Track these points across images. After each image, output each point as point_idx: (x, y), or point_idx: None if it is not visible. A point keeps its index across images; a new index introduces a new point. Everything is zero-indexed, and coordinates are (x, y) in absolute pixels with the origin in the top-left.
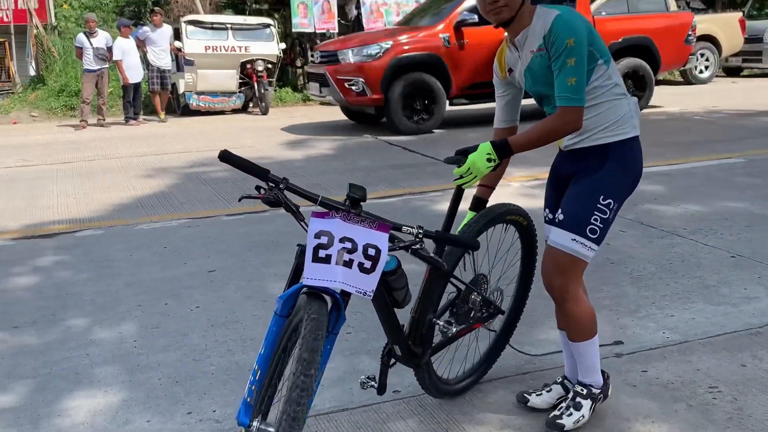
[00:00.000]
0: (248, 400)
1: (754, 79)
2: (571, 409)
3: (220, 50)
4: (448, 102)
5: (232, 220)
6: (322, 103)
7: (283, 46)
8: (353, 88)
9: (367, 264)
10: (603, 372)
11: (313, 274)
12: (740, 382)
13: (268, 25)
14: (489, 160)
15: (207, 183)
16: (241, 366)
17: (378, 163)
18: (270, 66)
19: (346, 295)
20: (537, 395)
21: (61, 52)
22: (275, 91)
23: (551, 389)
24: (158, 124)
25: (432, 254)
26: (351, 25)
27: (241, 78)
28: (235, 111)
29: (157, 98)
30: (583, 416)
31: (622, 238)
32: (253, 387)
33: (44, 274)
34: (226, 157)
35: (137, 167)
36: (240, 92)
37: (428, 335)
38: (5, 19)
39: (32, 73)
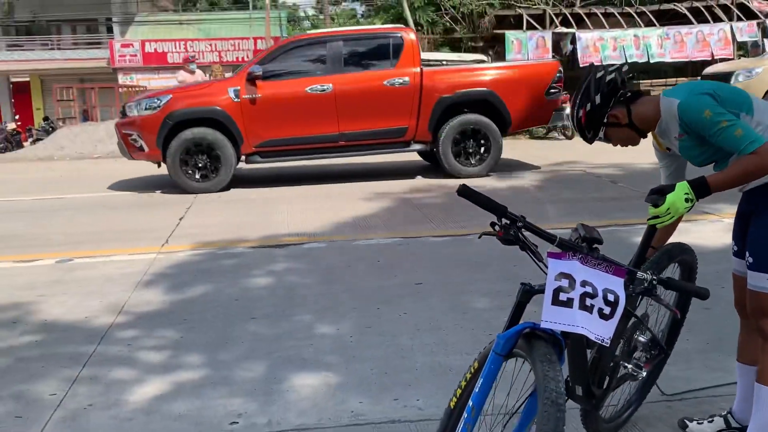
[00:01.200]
0: None
1: None
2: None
3: None
4: (243, 159)
5: (438, 241)
6: (533, 137)
7: None
8: (134, 143)
9: (607, 310)
10: None
11: (553, 317)
12: None
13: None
14: (687, 200)
15: (418, 208)
16: (443, 366)
17: (583, 195)
18: None
19: (566, 336)
20: (698, 424)
21: None
22: None
23: (713, 420)
24: None
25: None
26: (566, 59)
27: None
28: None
29: None
30: None
31: None
32: (468, 424)
33: (277, 277)
34: (465, 192)
35: (358, 191)
36: None
37: (611, 376)
38: (245, 59)
39: None
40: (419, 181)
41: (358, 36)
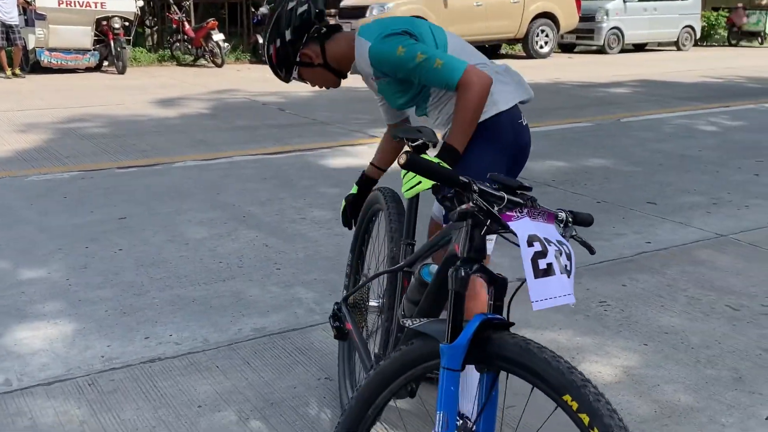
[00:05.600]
0: None
1: (586, 55)
2: None
3: (74, 5)
4: None
5: (125, 173)
6: (181, 64)
7: (140, 3)
8: None
9: (569, 266)
10: None
11: (543, 294)
12: (624, 298)
13: None
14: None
15: (86, 138)
16: (183, 298)
17: (258, 122)
18: (127, 24)
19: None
20: None
21: None
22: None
23: None
24: (7, 80)
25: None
26: None
27: (96, 35)
28: (89, 69)
29: (2, 54)
30: None
31: None
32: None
33: None
34: (413, 162)
35: (3, 122)
36: (94, 50)
37: None
38: None
39: None
40: (69, 110)
41: None
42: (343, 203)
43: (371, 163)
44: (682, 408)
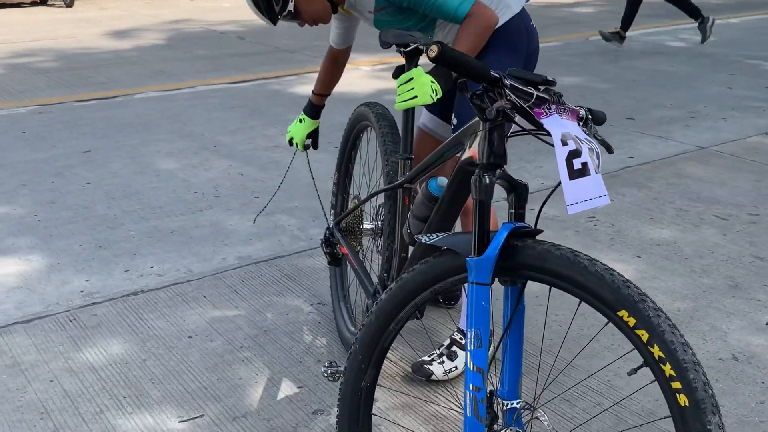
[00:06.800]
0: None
1: None
2: (444, 358)
3: None
4: None
5: (85, 105)
6: None
7: None
8: None
9: (599, 165)
10: None
11: (579, 196)
12: (612, 213)
13: None
14: (434, 90)
15: (39, 72)
16: (161, 230)
17: (218, 51)
18: None
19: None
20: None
21: None
22: None
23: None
24: None
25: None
26: None
27: None
28: (34, 3)
29: None
30: (455, 368)
31: None
32: (482, 400)
33: None
34: (444, 54)
35: None
36: None
37: None
38: None
39: None
40: (18, 45)
41: None
42: (296, 135)
43: (314, 92)
44: (682, 317)
